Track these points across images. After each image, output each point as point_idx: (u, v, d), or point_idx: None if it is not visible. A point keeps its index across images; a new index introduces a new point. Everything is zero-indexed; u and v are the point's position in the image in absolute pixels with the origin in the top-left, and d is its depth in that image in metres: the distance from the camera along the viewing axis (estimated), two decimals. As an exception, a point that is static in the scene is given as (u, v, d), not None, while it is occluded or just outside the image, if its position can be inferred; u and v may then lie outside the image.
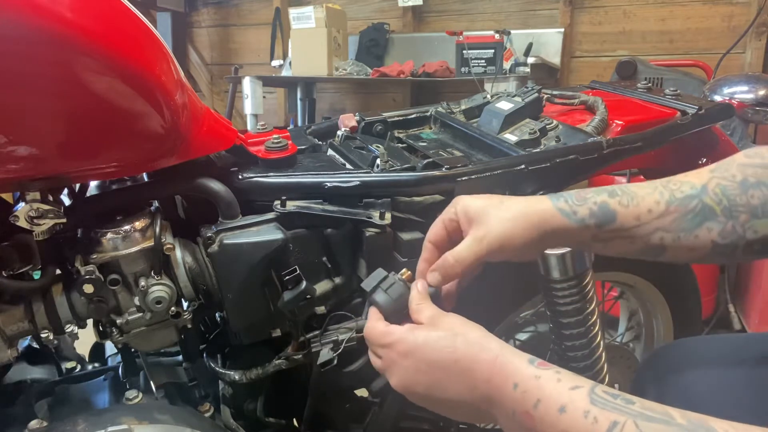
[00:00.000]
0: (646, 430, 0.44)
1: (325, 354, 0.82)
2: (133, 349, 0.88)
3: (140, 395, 0.80)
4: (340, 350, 0.82)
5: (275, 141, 0.85)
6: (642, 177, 1.24)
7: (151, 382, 0.87)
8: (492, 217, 0.64)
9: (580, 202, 0.64)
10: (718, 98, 1.35)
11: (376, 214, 0.80)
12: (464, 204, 0.66)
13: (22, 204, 0.66)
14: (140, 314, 0.75)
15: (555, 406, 0.48)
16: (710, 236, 0.61)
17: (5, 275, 0.69)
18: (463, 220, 0.66)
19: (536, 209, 0.64)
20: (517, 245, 0.63)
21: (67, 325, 0.73)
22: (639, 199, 0.63)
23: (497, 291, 0.92)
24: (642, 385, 0.81)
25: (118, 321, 0.75)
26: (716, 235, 0.61)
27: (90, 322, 0.77)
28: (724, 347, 0.77)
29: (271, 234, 0.77)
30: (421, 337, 0.57)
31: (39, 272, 0.71)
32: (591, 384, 0.49)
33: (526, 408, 0.50)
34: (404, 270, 0.67)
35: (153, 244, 0.74)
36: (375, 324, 0.62)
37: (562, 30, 2.89)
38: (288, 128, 1.08)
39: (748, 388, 0.68)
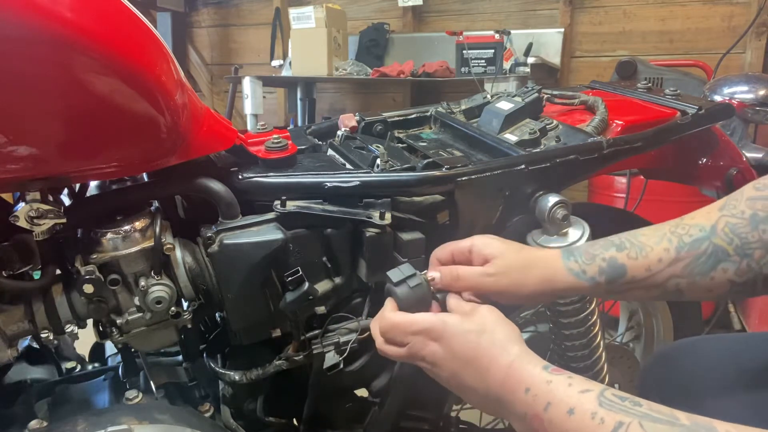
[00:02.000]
0: (651, 430, 0.44)
1: (331, 358, 0.82)
2: (133, 349, 0.88)
3: (140, 395, 0.80)
4: (345, 353, 0.82)
5: (275, 141, 0.85)
6: (642, 177, 1.24)
7: (151, 382, 0.87)
8: (507, 263, 0.66)
9: (589, 261, 0.65)
10: (718, 98, 1.35)
11: (376, 214, 0.80)
12: (483, 243, 0.68)
13: (22, 204, 0.66)
14: (140, 314, 0.75)
15: (564, 408, 0.49)
16: (726, 276, 0.61)
17: (5, 275, 0.69)
18: (477, 257, 0.67)
19: (549, 267, 0.66)
20: (526, 295, 0.66)
21: (67, 325, 0.73)
22: (648, 249, 0.63)
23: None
24: (646, 388, 0.81)
25: (118, 321, 0.75)
26: (732, 275, 0.60)
27: (90, 322, 0.77)
28: (726, 348, 0.77)
29: (271, 234, 0.77)
30: (451, 328, 0.59)
31: (39, 272, 0.71)
32: (601, 388, 0.50)
33: (536, 411, 0.51)
34: (426, 272, 0.67)
35: (153, 244, 0.74)
36: (395, 315, 0.63)
37: (562, 30, 2.89)
38: (288, 128, 1.08)
39: (750, 389, 0.68)
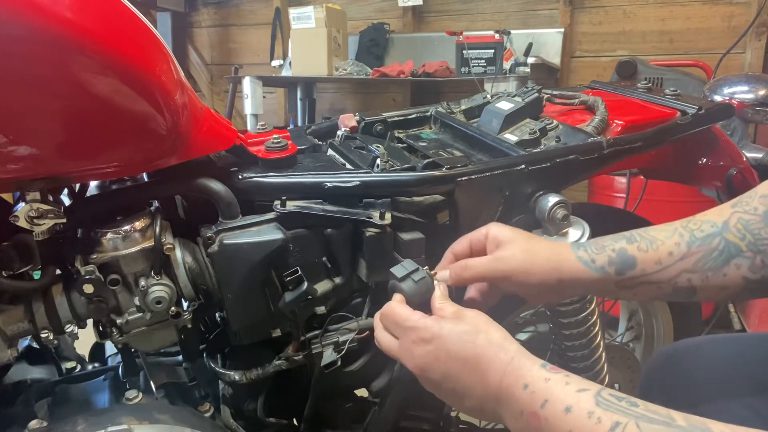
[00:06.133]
0: (647, 431, 0.44)
1: (329, 356, 0.82)
2: (133, 349, 0.88)
3: (140, 395, 0.80)
4: (343, 352, 0.82)
5: (275, 141, 0.85)
6: (642, 177, 1.24)
7: (151, 382, 0.87)
8: (517, 247, 0.67)
9: (599, 251, 0.66)
10: (718, 98, 1.35)
11: (376, 214, 0.80)
12: (497, 231, 0.69)
13: (22, 204, 0.66)
14: (140, 314, 0.75)
15: (561, 406, 0.49)
16: (740, 273, 0.60)
17: (5, 275, 0.69)
18: (491, 244, 0.69)
19: (557, 253, 0.67)
20: (534, 282, 0.66)
21: (67, 325, 0.73)
22: (658, 243, 0.63)
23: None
24: (648, 389, 0.81)
25: (118, 321, 0.75)
26: (746, 271, 0.60)
27: (90, 322, 0.77)
28: (729, 348, 0.77)
29: (271, 234, 0.77)
30: (446, 328, 0.59)
31: (39, 272, 0.71)
32: (598, 387, 0.50)
33: (533, 408, 0.51)
34: (427, 267, 0.68)
35: (153, 244, 0.74)
36: (399, 305, 0.64)
37: (562, 30, 2.89)
38: (288, 128, 1.08)
39: (752, 390, 0.68)
